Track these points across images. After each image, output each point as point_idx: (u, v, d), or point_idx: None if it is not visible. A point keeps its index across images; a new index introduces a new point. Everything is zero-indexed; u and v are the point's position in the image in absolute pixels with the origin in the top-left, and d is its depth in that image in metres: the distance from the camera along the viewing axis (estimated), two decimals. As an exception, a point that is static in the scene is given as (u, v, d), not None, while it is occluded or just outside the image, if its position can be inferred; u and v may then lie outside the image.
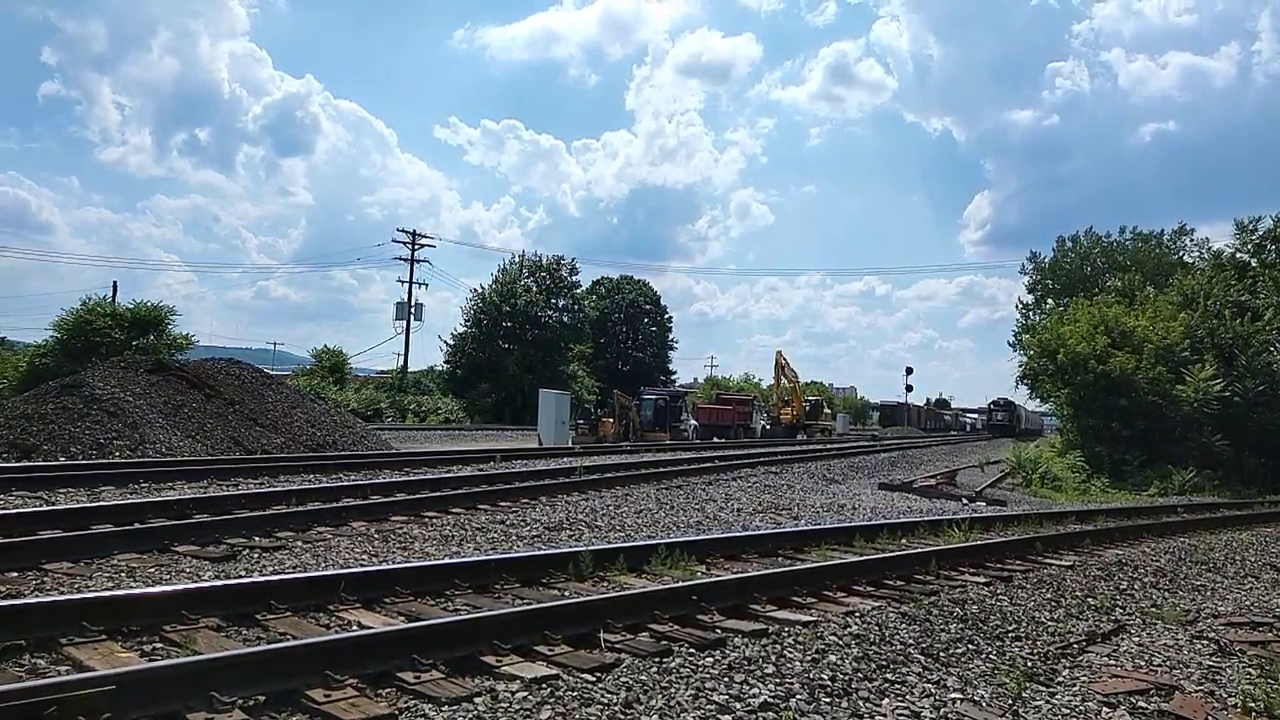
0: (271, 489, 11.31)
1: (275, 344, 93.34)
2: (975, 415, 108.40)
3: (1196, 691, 5.29)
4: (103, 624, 4.85)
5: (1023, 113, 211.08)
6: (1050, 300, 60.38)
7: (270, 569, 7.03)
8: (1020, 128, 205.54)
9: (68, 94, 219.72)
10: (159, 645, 4.82)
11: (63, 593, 5.83)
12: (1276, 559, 11.28)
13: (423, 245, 57.26)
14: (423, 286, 58.24)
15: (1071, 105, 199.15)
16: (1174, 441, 30.07)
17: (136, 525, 8.18)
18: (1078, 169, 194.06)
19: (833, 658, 5.27)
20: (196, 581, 6.33)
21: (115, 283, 42.95)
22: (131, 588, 6.00)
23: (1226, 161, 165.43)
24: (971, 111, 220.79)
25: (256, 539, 8.24)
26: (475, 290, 57.90)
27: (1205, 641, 6.56)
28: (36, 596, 5.67)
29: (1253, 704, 5.09)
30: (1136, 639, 6.48)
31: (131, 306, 37.83)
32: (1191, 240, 60.02)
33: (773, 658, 5.17)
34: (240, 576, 6.62)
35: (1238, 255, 39.06)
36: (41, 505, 9.41)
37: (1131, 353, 31.07)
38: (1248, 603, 8.31)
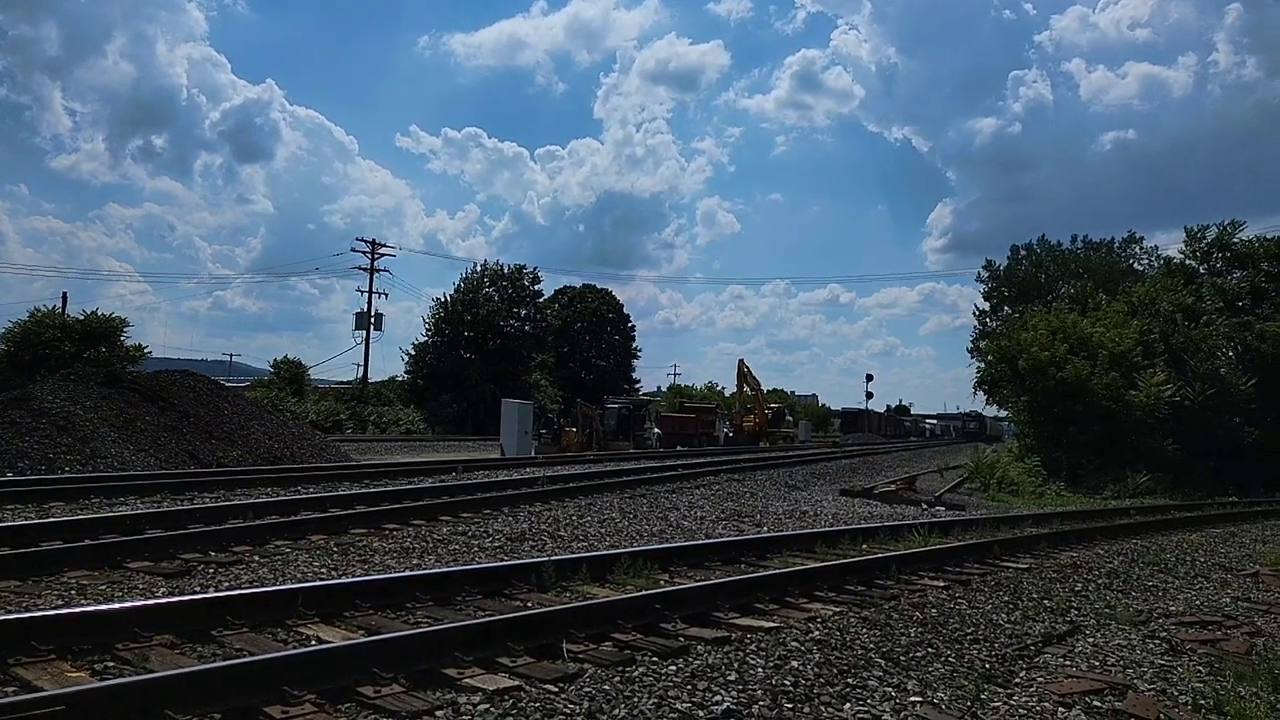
0: (228, 503, 11.12)
1: (231, 355, 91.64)
2: (934, 421, 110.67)
3: (1149, 690, 5.40)
4: (52, 643, 4.73)
5: (985, 121, 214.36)
6: (1006, 307, 61.54)
7: (226, 584, 6.91)
8: (983, 136, 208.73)
9: (17, 99, 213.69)
10: (111, 664, 4.72)
11: (10, 611, 5.67)
12: (1225, 559, 11.56)
13: (383, 254, 56.87)
14: (383, 296, 57.81)
15: (1034, 114, 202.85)
16: (1127, 445, 30.72)
17: (88, 541, 7.98)
18: (1040, 177, 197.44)
19: (795, 663, 5.30)
20: (150, 598, 6.19)
21: (65, 293, 42.09)
22: (82, 605, 5.86)
23: (1184, 170, 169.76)
24: (935, 120, 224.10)
25: (212, 554, 8.09)
26: (437, 299, 57.60)
27: (1157, 641, 6.71)
28: (-18, 616, 5.51)
29: (1203, 701, 5.21)
30: (1091, 640, 6.60)
31: (82, 318, 37.08)
32: (1141, 248, 61.72)
33: (735, 665, 5.19)
34: (195, 592, 6.50)
35: (1187, 263, 40.16)
36: (-12, 522, 9.15)
37: (1087, 358, 31.72)
38: (1198, 602, 8.50)
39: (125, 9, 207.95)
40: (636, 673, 4.91)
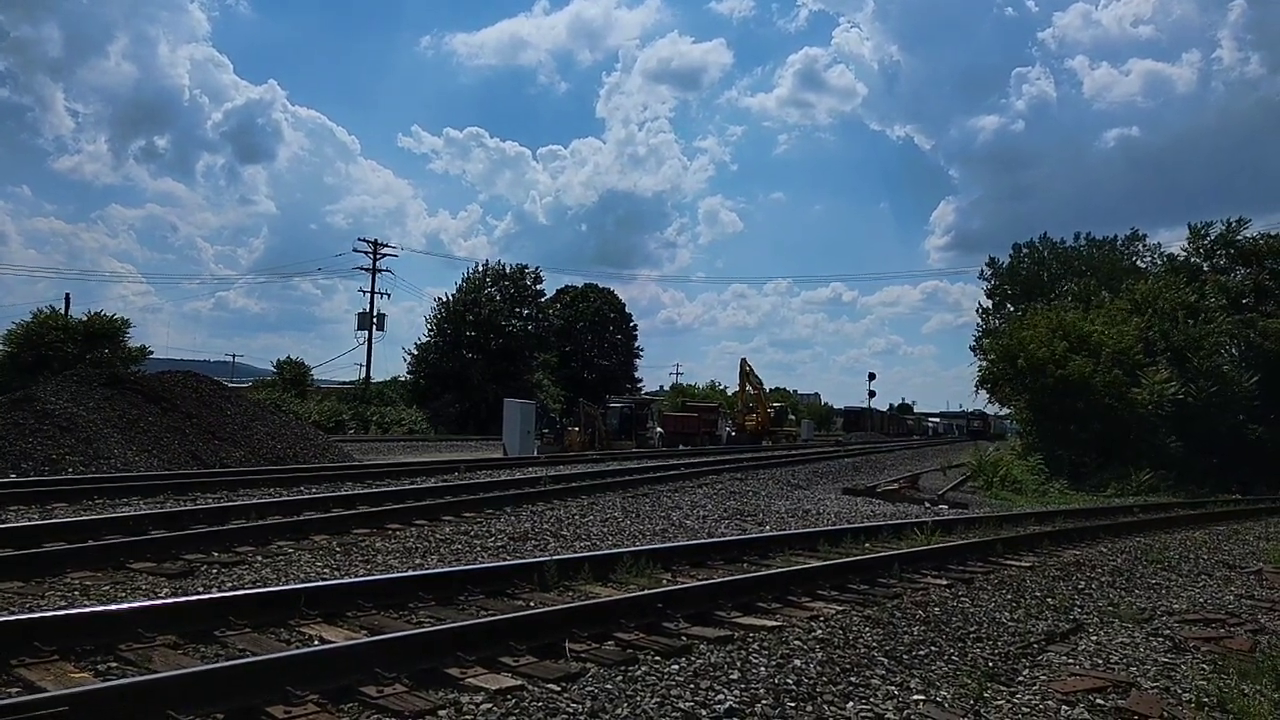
0: (230, 503, 11.13)
1: (234, 356, 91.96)
2: (937, 420, 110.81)
3: (1152, 688, 5.39)
4: (55, 644, 4.74)
5: (988, 118, 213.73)
6: (1009, 305, 61.40)
7: (229, 584, 6.92)
8: (986, 133, 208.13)
9: (19, 100, 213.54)
10: (114, 665, 4.72)
11: (13, 612, 5.68)
12: (1228, 557, 11.54)
13: (385, 255, 56.99)
14: (385, 296, 58.01)
15: (1037, 111, 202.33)
16: (1130, 443, 30.65)
17: (91, 542, 7.99)
18: (1043, 174, 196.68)
19: (797, 662, 5.30)
20: (153, 598, 6.20)
21: (68, 294, 42.13)
22: (85, 606, 5.87)
23: (1187, 167, 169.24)
24: (938, 118, 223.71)
25: (215, 554, 8.10)
26: (439, 299, 57.68)
27: (1161, 639, 6.69)
28: (-14, 617, 5.51)
29: (1206, 699, 5.20)
30: (1094, 638, 6.60)
31: (85, 319, 37.13)
32: (1144, 245, 61.49)
33: (738, 664, 5.19)
34: (198, 592, 6.51)
35: (1190, 260, 40.09)
36: (-9, 523, 9.17)
37: (1089, 356, 31.65)
38: (1201, 600, 8.49)
39: (127, 9, 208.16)
40: (639, 672, 4.91)
